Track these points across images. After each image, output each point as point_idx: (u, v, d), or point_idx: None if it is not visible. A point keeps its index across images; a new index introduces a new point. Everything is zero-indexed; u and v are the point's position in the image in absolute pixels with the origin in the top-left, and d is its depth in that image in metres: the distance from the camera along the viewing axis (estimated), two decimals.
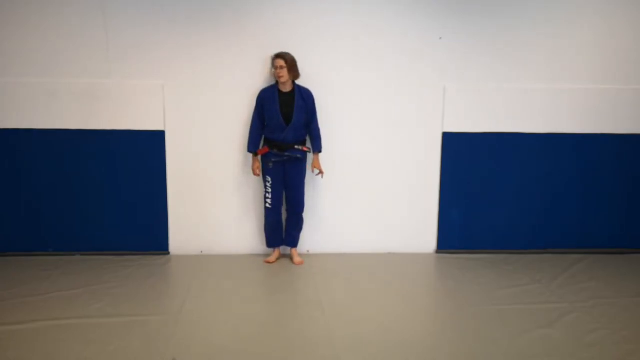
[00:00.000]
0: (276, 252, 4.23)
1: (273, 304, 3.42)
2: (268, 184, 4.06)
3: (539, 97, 4.29)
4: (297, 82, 4.04)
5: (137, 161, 4.21)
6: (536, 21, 4.22)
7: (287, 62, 3.90)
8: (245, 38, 4.12)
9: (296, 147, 4.02)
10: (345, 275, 3.93)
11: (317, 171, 4.12)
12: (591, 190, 4.43)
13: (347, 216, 4.39)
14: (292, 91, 3.99)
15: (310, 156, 4.14)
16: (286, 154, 4.00)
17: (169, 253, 4.34)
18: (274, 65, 3.92)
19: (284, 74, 3.90)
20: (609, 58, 4.30)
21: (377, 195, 4.39)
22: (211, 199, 4.30)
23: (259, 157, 4.07)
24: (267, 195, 4.08)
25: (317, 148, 4.08)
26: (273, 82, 4.04)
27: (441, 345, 2.88)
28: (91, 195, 4.23)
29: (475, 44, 4.22)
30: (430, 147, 4.34)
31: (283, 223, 4.24)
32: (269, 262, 4.16)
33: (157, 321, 3.10)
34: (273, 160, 4.02)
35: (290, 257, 4.24)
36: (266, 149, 4.02)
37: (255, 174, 4.09)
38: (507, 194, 4.41)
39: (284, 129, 3.95)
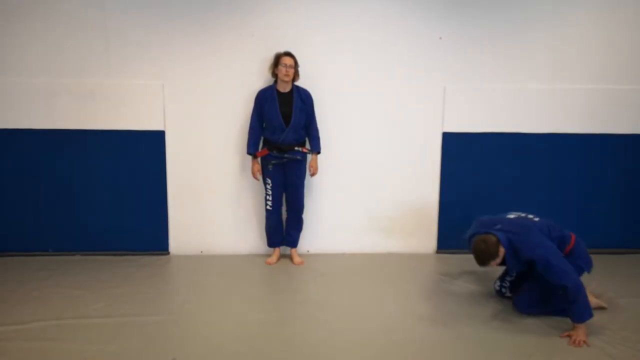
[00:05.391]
0: (276, 253, 4.23)
1: (273, 304, 3.42)
2: (268, 186, 4.06)
3: (539, 97, 4.29)
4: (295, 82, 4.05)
5: (137, 161, 4.21)
6: (536, 21, 4.22)
7: (295, 61, 3.90)
8: (245, 37, 4.12)
9: (296, 148, 4.01)
10: (345, 275, 3.93)
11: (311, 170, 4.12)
12: (591, 190, 4.43)
13: (347, 216, 4.39)
14: (291, 92, 3.98)
15: (310, 157, 4.13)
16: (286, 155, 3.99)
17: (169, 253, 4.34)
18: (281, 63, 3.89)
19: (292, 73, 3.89)
20: (609, 58, 4.30)
21: (377, 195, 4.39)
22: (211, 199, 4.31)
23: (259, 159, 4.06)
24: (268, 197, 4.07)
25: (316, 149, 4.07)
26: (272, 83, 4.04)
27: (441, 345, 2.88)
28: (91, 195, 4.24)
29: (475, 44, 4.22)
30: (430, 147, 4.34)
31: (284, 223, 4.24)
32: (269, 264, 4.15)
33: (157, 321, 3.10)
34: (273, 162, 4.01)
35: (290, 258, 4.24)
36: (266, 151, 4.00)
37: (254, 177, 4.08)
38: (507, 194, 4.41)
39: (284, 129, 3.94)
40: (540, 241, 3.05)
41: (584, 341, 2.89)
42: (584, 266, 3.23)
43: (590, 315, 2.94)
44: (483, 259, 3.05)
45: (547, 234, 3.13)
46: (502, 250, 3.05)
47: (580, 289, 2.92)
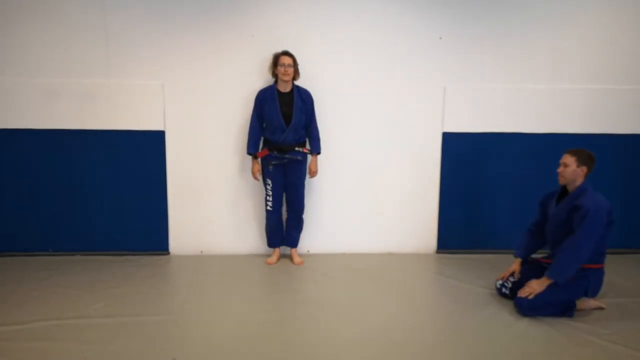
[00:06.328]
0: (276, 253, 4.23)
1: (273, 304, 3.42)
2: (268, 187, 4.05)
3: (539, 97, 4.30)
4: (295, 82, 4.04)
5: (137, 161, 4.21)
6: (536, 21, 4.22)
7: (294, 60, 3.90)
8: (245, 37, 4.12)
9: (297, 148, 4.01)
10: (345, 275, 3.93)
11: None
12: None
13: (347, 216, 4.39)
14: (291, 91, 3.98)
15: (310, 157, 4.13)
16: (287, 156, 3.99)
17: (169, 253, 4.34)
18: (280, 63, 3.89)
19: (291, 72, 3.89)
20: (609, 58, 4.30)
21: (377, 195, 4.39)
22: (211, 199, 4.31)
23: (259, 159, 4.05)
24: (268, 198, 4.07)
25: (316, 149, 4.07)
26: (272, 82, 4.04)
27: (441, 345, 2.88)
28: (91, 195, 4.24)
29: (475, 44, 4.22)
30: (430, 147, 4.35)
31: (284, 223, 4.23)
32: (269, 264, 4.15)
33: (157, 321, 3.10)
34: (273, 162, 4.00)
35: (290, 258, 4.24)
36: (266, 152, 4.00)
37: (255, 177, 4.07)
38: (507, 194, 4.41)
39: (284, 130, 3.94)
40: (599, 207, 3.11)
41: (532, 292, 3.16)
42: (590, 290, 3.27)
43: (562, 282, 3.11)
44: (577, 149, 3.28)
45: (603, 238, 3.20)
46: (582, 175, 3.23)
47: (577, 254, 3.06)
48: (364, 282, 3.81)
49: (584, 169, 3.23)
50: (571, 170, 3.23)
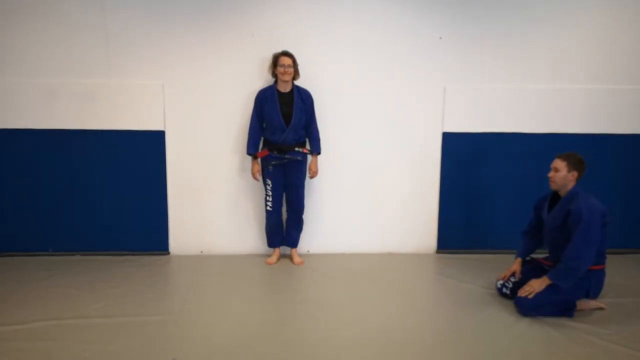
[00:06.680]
0: (276, 253, 4.23)
1: (273, 304, 3.42)
2: (268, 187, 4.05)
3: (539, 97, 4.29)
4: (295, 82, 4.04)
5: (137, 161, 4.21)
6: (536, 21, 4.22)
7: (293, 60, 3.90)
8: (245, 37, 4.12)
9: (297, 149, 4.00)
10: (345, 275, 3.93)
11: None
12: (590, 190, 4.40)
13: (347, 216, 4.39)
14: (291, 92, 3.98)
15: (310, 157, 4.13)
16: (287, 156, 3.98)
17: (169, 253, 4.34)
18: (279, 64, 3.89)
19: (291, 72, 3.89)
20: (609, 58, 4.30)
21: (377, 195, 4.39)
22: (211, 199, 4.31)
23: (259, 159, 4.05)
24: (268, 198, 4.06)
25: (316, 150, 4.06)
26: (272, 82, 4.04)
27: (441, 345, 2.88)
28: (91, 195, 4.24)
29: (475, 44, 4.22)
30: (430, 147, 4.34)
31: (284, 223, 4.23)
32: (269, 264, 4.15)
33: (157, 321, 3.10)
34: (273, 162, 4.00)
35: (290, 258, 4.24)
36: (266, 152, 3.99)
37: (254, 177, 4.07)
38: (507, 194, 4.41)
39: (284, 130, 3.94)
40: (592, 210, 3.11)
41: (532, 291, 3.17)
42: (591, 291, 3.27)
43: (565, 285, 3.13)
44: (567, 154, 3.28)
45: (602, 239, 3.20)
46: (573, 179, 3.23)
47: (580, 261, 3.07)
48: (364, 282, 3.81)
49: (575, 173, 3.23)
50: (562, 175, 3.23)
